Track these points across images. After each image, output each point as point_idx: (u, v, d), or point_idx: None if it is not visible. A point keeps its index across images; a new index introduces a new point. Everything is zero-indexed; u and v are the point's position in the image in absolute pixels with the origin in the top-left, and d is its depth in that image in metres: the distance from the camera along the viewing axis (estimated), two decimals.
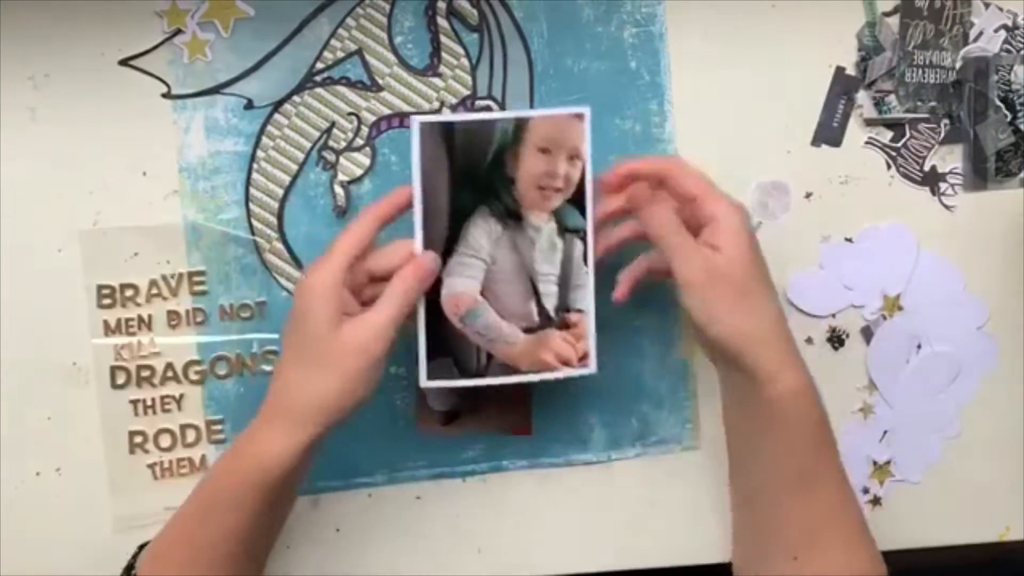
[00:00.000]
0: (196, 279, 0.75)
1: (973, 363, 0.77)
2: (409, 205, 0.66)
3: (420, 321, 0.67)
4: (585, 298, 0.69)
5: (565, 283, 0.69)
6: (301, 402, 0.63)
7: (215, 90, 0.74)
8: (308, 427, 0.63)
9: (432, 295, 0.67)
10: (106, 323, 0.75)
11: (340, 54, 0.74)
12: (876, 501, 0.78)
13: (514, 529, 0.77)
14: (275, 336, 0.75)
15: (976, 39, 0.76)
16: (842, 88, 0.76)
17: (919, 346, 0.77)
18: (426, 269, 0.65)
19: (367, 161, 0.75)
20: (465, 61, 0.75)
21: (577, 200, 0.68)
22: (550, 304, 0.69)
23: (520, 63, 0.75)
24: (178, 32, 0.74)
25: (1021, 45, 0.76)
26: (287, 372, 0.64)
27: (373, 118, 0.75)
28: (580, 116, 0.67)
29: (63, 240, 0.75)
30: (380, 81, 0.74)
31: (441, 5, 0.75)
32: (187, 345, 0.75)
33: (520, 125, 0.67)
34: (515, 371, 0.69)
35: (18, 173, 0.74)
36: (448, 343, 0.68)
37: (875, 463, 0.77)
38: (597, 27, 0.76)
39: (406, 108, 0.75)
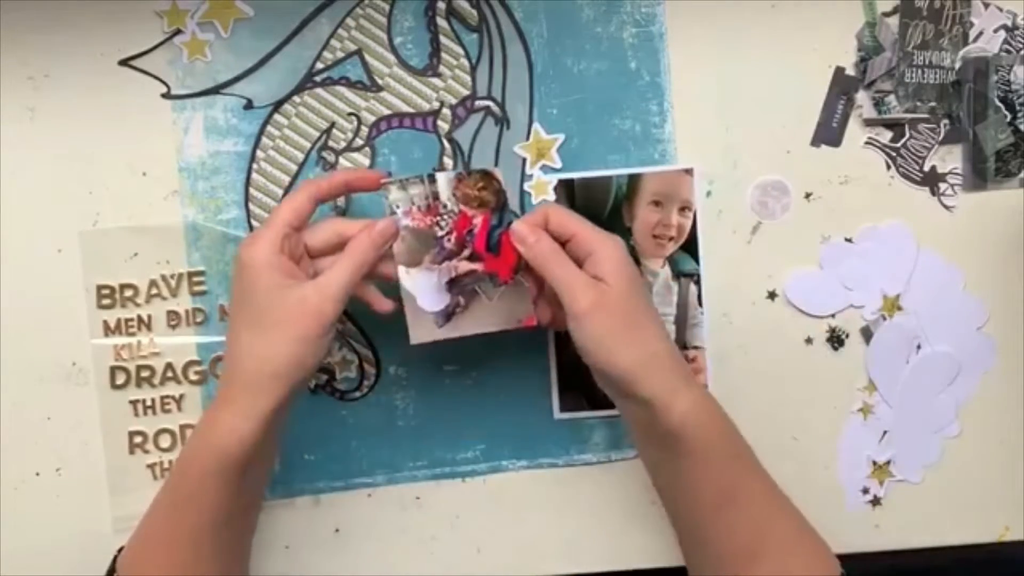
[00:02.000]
0: (196, 279, 0.75)
1: (973, 363, 0.77)
2: (349, 191, 0.70)
3: (551, 360, 0.75)
4: (701, 336, 0.76)
5: (682, 322, 0.77)
6: (254, 370, 0.63)
7: (215, 90, 0.75)
8: (263, 397, 0.62)
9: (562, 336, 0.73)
10: (106, 323, 0.75)
11: (340, 54, 0.74)
12: (876, 501, 0.78)
13: (514, 529, 0.77)
14: None
15: (976, 39, 0.76)
16: (842, 88, 0.76)
17: (919, 346, 0.77)
18: (381, 233, 0.66)
19: (367, 161, 0.75)
20: (465, 61, 0.75)
21: (689, 246, 0.76)
22: None
23: (520, 63, 0.75)
24: (178, 32, 0.74)
25: (1021, 45, 0.76)
26: (238, 344, 0.64)
27: (373, 118, 0.75)
28: (689, 171, 0.75)
29: (63, 240, 0.75)
30: (380, 81, 0.74)
31: (441, 5, 0.74)
32: (187, 345, 0.75)
33: (634, 180, 0.75)
34: None
35: (18, 173, 0.74)
36: (578, 378, 0.75)
37: (875, 463, 0.77)
38: (597, 27, 0.76)
39: (405, 108, 0.75)
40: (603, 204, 0.76)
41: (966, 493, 0.78)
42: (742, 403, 0.77)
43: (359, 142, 0.75)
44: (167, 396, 0.75)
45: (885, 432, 0.78)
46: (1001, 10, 0.76)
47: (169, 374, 0.75)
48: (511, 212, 0.69)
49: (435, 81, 0.75)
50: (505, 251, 0.69)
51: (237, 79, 0.75)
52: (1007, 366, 0.78)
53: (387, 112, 0.75)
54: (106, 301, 0.75)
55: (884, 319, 0.77)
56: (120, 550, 0.67)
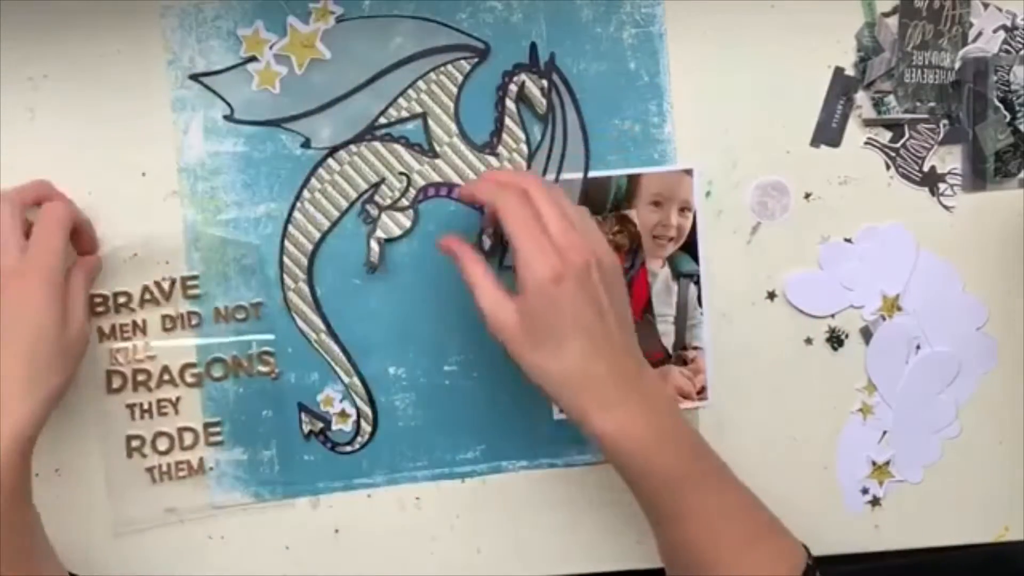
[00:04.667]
0: (190, 283, 0.74)
1: (972, 363, 0.78)
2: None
3: None
4: (701, 336, 0.76)
5: (682, 323, 0.77)
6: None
7: (276, 123, 0.74)
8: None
9: None
10: (100, 329, 0.74)
11: (404, 113, 0.74)
12: (876, 501, 0.78)
13: (514, 529, 0.77)
14: (271, 337, 0.75)
15: (975, 39, 0.76)
16: (841, 88, 0.76)
17: (918, 346, 0.77)
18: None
19: (408, 223, 0.75)
20: (524, 147, 0.74)
21: (689, 247, 0.76)
22: (668, 342, 0.77)
23: (577, 158, 0.75)
24: (252, 59, 0.74)
25: (1020, 45, 0.76)
26: None
27: (423, 182, 0.74)
28: (688, 172, 0.75)
29: None
30: (438, 148, 0.74)
31: (513, 88, 0.74)
32: (183, 348, 0.75)
33: (633, 180, 0.75)
34: None
35: (17, 174, 0.74)
36: None
37: (875, 463, 0.78)
38: (596, 28, 0.76)
39: (456, 179, 0.74)
40: (603, 204, 0.76)
41: (966, 493, 0.78)
42: (741, 404, 0.77)
43: (404, 203, 0.74)
44: (164, 399, 0.75)
45: (885, 432, 0.78)
46: (1001, 10, 0.76)
47: (165, 377, 0.75)
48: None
49: (491, 159, 0.74)
50: (636, 292, 0.75)
51: (300, 116, 0.74)
52: (1007, 366, 0.78)
53: (438, 179, 0.74)
54: (99, 309, 0.74)
55: (884, 319, 0.77)
56: None
